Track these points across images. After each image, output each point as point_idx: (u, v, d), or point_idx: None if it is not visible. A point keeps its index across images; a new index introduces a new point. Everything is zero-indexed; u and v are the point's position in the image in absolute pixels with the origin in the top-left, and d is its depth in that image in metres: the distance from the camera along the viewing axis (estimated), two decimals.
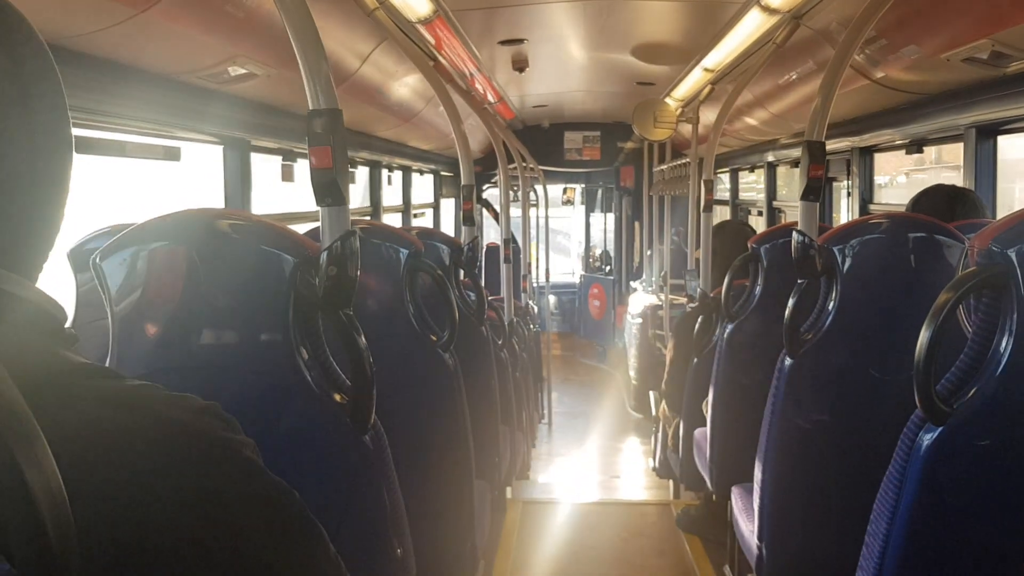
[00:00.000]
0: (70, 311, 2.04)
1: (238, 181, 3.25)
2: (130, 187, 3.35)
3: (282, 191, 3.87)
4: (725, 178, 7.11)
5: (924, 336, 1.25)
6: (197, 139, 3.13)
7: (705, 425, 3.22)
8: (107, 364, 1.32)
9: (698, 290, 3.85)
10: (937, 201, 2.53)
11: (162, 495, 0.49)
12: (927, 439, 1.28)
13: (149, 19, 2.07)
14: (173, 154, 2.90)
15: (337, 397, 1.35)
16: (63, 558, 0.40)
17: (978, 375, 1.25)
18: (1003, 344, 1.21)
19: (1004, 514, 1.28)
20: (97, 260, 1.33)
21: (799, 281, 2.02)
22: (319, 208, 1.36)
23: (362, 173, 5.29)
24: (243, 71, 2.73)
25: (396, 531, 1.48)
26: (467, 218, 3.19)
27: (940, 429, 1.27)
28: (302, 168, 3.77)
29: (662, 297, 6.48)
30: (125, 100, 2.46)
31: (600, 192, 9.88)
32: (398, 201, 6.18)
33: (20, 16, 0.58)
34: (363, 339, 1.36)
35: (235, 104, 3.02)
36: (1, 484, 0.39)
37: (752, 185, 6.80)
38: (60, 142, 0.60)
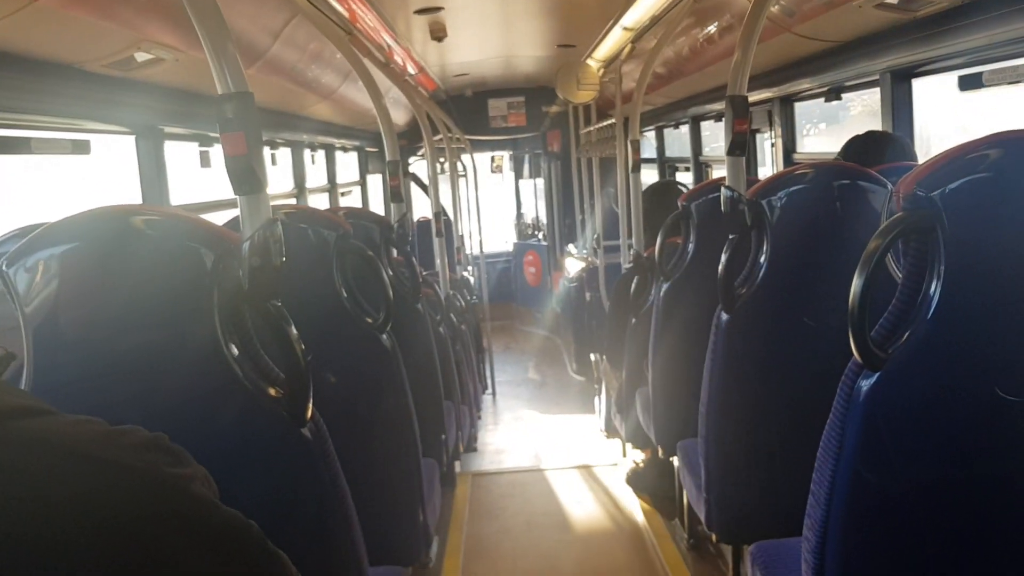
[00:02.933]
0: None
1: (154, 171, 3.13)
2: (42, 185, 3.21)
3: (201, 178, 3.76)
4: (652, 135, 7.14)
5: (856, 284, 1.26)
6: (107, 130, 3.00)
7: (647, 384, 3.25)
8: (23, 374, 1.26)
9: (632, 251, 3.87)
10: (867, 146, 2.57)
11: (102, 546, 0.44)
12: (865, 385, 1.30)
13: (42, 8, 1.96)
14: (82, 148, 2.78)
15: (272, 391, 1.30)
16: None
17: (910, 319, 1.26)
18: (932, 288, 1.23)
19: (944, 453, 1.30)
20: (3, 267, 1.26)
21: (730, 236, 2.02)
22: (237, 196, 1.31)
23: (284, 155, 5.16)
24: (150, 56, 2.62)
25: (344, 520, 1.45)
26: (395, 195, 3.13)
27: (877, 375, 1.28)
28: (219, 153, 3.66)
29: (596, 260, 6.51)
30: (25, 93, 2.34)
31: (528, 158, 9.85)
32: (323, 181, 6.06)
33: None
34: (294, 329, 1.31)
35: (145, 91, 2.91)
36: None
37: (677, 142, 6.84)
38: None
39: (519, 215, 10.25)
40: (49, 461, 0.46)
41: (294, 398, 1.31)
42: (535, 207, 10.20)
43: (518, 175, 10.12)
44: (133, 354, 1.27)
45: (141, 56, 2.61)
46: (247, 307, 1.29)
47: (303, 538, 1.37)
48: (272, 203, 1.44)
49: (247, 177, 1.28)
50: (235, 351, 1.28)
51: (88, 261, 1.29)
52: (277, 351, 1.33)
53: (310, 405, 1.34)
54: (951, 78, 2.83)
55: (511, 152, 9.84)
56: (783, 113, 4.14)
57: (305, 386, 1.32)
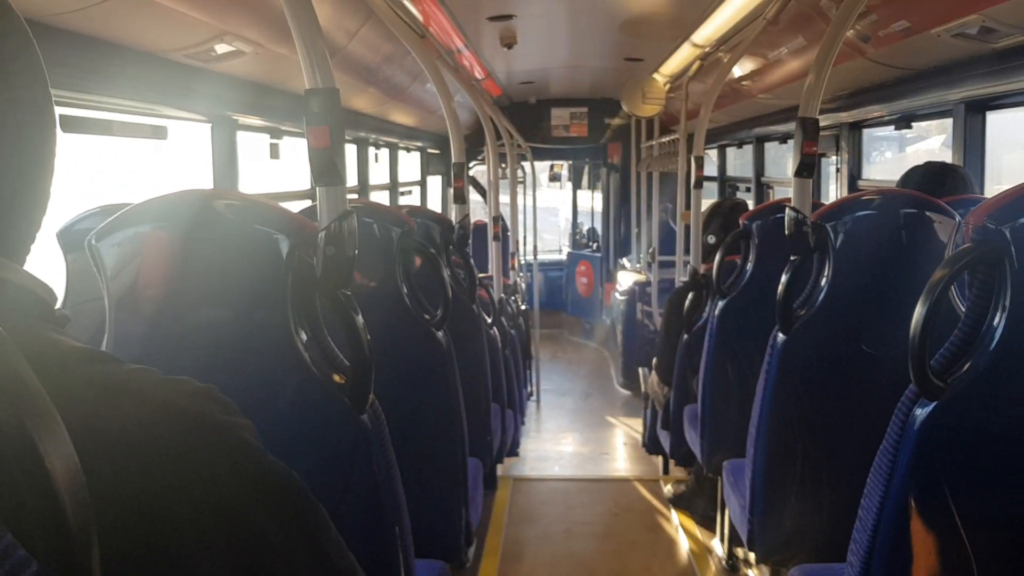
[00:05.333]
0: (60, 291, 2.03)
1: (226, 160, 3.22)
2: (115, 166, 3.32)
3: (266, 169, 3.85)
4: (712, 154, 7.11)
5: (919, 312, 1.26)
6: (184, 117, 3.09)
7: (695, 402, 3.24)
8: (103, 345, 1.31)
9: (689, 266, 3.86)
10: (927, 177, 2.54)
11: (161, 480, 0.48)
12: (921, 414, 1.29)
13: None
14: (160, 133, 2.87)
15: (336, 377, 1.34)
16: (83, 539, 0.39)
17: (971, 350, 1.26)
18: (996, 320, 1.22)
19: (999, 489, 1.29)
20: (93, 241, 1.32)
21: (792, 258, 2.02)
22: (316, 187, 1.36)
23: (348, 151, 5.24)
24: (230, 49, 2.70)
25: (394, 510, 1.48)
26: (458, 196, 3.17)
27: (934, 404, 1.28)
28: (287, 146, 3.75)
29: (650, 274, 6.49)
30: (111, 79, 2.43)
31: (587, 169, 9.86)
32: (385, 179, 6.14)
33: None
34: (361, 319, 1.36)
35: (222, 82, 2.99)
36: (20, 465, 0.38)
37: (735, 162, 6.80)
38: (43, 120, 0.58)
39: (575, 225, 10.26)
40: (119, 402, 0.50)
41: (356, 385, 1.35)
42: (591, 218, 10.20)
43: (576, 185, 10.14)
44: (205, 332, 1.32)
45: (221, 48, 2.69)
46: (318, 294, 1.34)
47: (354, 522, 1.40)
48: None
49: (328, 169, 1.32)
50: (304, 336, 1.33)
51: (171, 240, 1.34)
52: (343, 339, 1.37)
53: (371, 393, 1.38)
54: None
55: (570, 161, 9.86)
56: (851, 138, 4.10)
57: (368, 374, 1.36)
